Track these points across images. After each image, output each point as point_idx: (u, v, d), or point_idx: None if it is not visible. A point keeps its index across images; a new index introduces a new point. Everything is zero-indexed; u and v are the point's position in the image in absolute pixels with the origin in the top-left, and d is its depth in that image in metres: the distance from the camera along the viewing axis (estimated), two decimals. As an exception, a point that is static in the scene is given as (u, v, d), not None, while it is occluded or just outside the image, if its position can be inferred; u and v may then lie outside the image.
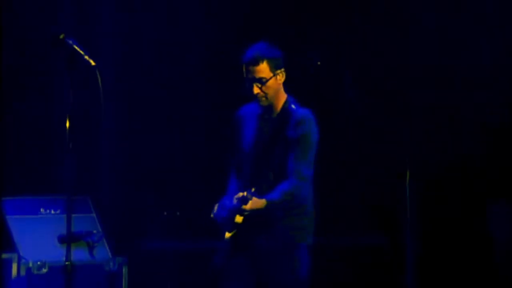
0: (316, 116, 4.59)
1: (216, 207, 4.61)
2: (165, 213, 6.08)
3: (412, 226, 5.13)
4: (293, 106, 4.63)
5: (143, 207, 6.46)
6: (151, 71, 6.83)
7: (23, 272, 5.52)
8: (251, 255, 4.58)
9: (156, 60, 6.84)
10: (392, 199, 5.70)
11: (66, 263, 3.94)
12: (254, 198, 4.33)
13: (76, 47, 3.86)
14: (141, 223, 6.52)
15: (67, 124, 3.86)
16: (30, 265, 5.60)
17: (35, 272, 5.56)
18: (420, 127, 5.99)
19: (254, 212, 4.40)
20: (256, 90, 4.54)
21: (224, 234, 4.59)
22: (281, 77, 4.58)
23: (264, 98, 4.57)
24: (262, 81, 4.52)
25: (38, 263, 5.60)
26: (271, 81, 4.54)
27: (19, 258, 5.59)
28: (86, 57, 3.85)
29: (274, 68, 4.55)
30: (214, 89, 6.77)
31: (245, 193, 4.30)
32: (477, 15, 6.19)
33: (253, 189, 4.34)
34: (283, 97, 4.65)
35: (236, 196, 4.36)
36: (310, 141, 4.57)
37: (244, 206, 4.32)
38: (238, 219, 4.43)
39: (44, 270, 5.57)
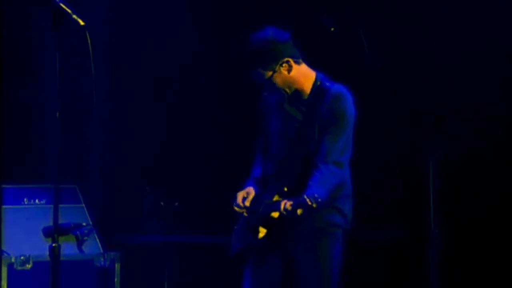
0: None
1: (234, 237, 4.52)
2: (162, 203, 5.98)
3: (435, 220, 5.05)
4: (326, 83, 4.41)
5: (138, 197, 6.35)
6: (146, 47, 6.77)
7: (4, 268, 5.45)
8: (282, 241, 4.43)
9: (152, 33, 6.77)
10: (415, 192, 5.68)
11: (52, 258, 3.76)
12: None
13: (62, 5, 3.63)
14: (136, 214, 6.40)
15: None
16: (13, 260, 5.49)
17: (18, 268, 5.47)
18: (443, 120, 5.75)
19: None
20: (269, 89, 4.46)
21: (242, 220, 4.50)
22: (285, 68, 4.36)
23: (282, 91, 4.41)
24: (267, 80, 4.37)
25: (22, 258, 5.49)
26: (276, 78, 4.36)
27: (1, 253, 5.44)
28: (75, 16, 3.61)
29: (270, 66, 4.34)
30: (214, 71, 6.73)
31: (307, 199, 4.13)
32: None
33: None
34: (308, 77, 4.43)
35: (289, 203, 4.17)
36: (347, 120, 4.37)
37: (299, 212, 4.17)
38: (275, 214, 4.28)
39: (28, 266, 5.48)
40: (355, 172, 5.18)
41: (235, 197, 4.46)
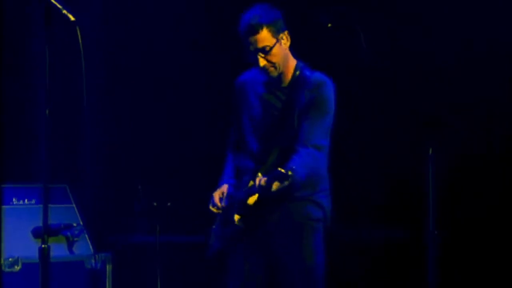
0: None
1: (212, 237, 4.47)
2: (155, 203, 5.88)
3: (433, 219, 5.00)
4: (307, 72, 4.39)
5: (130, 197, 6.22)
6: (145, 46, 6.77)
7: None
8: (260, 235, 4.36)
9: (151, 32, 6.78)
10: (415, 192, 5.63)
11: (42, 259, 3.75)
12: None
13: (53, 0, 3.63)
14: (128, 214, 6.32)
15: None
16: (1, 261, 5.46)
17: (7, 269, 5.44)
18: (442, 119, 5.78)
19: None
20: (262, 62, 4.31)
21: (219, 218, 4.44)
22: (286, 40, 4.34)
23: (272, 68, 4.34)
24: (266, 51, 4.29)
25: (10, 259, 5.46)
26: (276, 48, 4.30)
27: (1, 253, 5.43)
28: (65, 11, 3.63)
29: (276, 33, 4.30)
30: (212, 68, 6.71)
31: (282, 170, 4.04)
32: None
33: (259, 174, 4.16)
34: (292, 63, 4.41)
35: (262, 179, 4.10)
36: (327, 106, 4.32)
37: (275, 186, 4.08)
38: (251, 200, 4.21)
39: (17, 268, 5.46)
40: (354, 171, 5.20)
41: (211, 198, 4.40)
